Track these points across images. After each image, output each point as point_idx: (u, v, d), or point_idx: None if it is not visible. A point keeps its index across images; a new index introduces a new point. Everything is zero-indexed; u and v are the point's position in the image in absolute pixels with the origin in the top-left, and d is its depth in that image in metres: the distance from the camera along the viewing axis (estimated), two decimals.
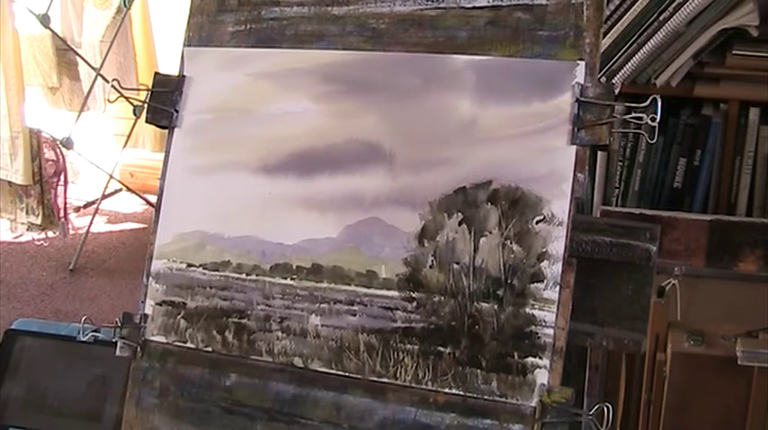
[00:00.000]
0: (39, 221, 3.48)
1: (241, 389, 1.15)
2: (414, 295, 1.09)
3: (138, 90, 1.24)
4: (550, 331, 1.03)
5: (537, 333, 1.04)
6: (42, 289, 3.37)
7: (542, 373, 1.03)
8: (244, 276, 1.16)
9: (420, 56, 1.13)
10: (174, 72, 1.25)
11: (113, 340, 1.20)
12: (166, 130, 1.23)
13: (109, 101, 1.39)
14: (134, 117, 3.62)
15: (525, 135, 1.07)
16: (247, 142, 1.19)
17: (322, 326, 1.12)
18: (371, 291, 1.10)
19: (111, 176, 3.67)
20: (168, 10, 3.82)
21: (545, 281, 1.04)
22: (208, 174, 1.20)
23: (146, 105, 1.23)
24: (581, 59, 1.06)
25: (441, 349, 1.07)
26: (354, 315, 1.11)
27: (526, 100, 1.08)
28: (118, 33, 3.57)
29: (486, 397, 1.05)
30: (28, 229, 3.53)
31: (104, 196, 3.73)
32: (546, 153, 1.06)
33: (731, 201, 1.83)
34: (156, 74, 1.26)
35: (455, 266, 1.08)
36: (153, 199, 3.02)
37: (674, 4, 1.72)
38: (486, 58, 1.10)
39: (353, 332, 1.10)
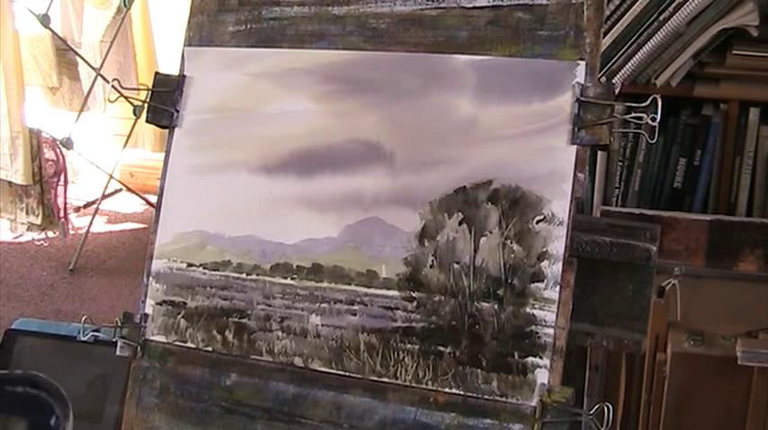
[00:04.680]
0: (39, 221, 3.48)
1: (241, 388, 1.15)
2: (414, 295, 1.09)
3: (139, 90, 1.24)
4: (551, 331, 1.03)
5: (537, 332, 1.04)
6: (42, 289, 3.37)
7: (542, 373, 1.03)
8: (244, 276, 1.16)
9: (420, 56, 1.13)
10: (175, 72, 1.25)
11: (113, 340, 1.21)
12: (166, 130, 1.24)
13: (109, 101, 1.39)
14: (134, 117, 3.62)
15: (525, 135, 1.07)
16: (248, 142, 1.19)
17: (322, 325, 1.12)
18: (372, 290, 1.10)
19: (111, 176, 3.67)
20: (168, 10, 3.82)
21: (545, 280, 1.04)
22: (208, 174, 1.20)
23: (146, 105, 1.23)
24: (581, 59, 1.06)
25: (441, 349, 1.07)
26: (355, 314, 1.11)
27: (526, 100, 1.08)
28: (118, 33, 3.57)
29: (486, 396, 1.05)
30: (28, 229, 3.53)
31: (104, 196, 3.73)
32: (546, 153, 1.06)
33: (731, 201, 1.83)
34: (157, 74, 1.26)
35: (455, 266, 1.08)
36: (153, 199, 3.03)
37: (674, 4, 1.73)
38: (487, 58, 1.10)
39: (354, 332, 1.11)
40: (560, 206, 1.05)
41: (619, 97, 1.10)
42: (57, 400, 1.27)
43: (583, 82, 1.06)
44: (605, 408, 1.00)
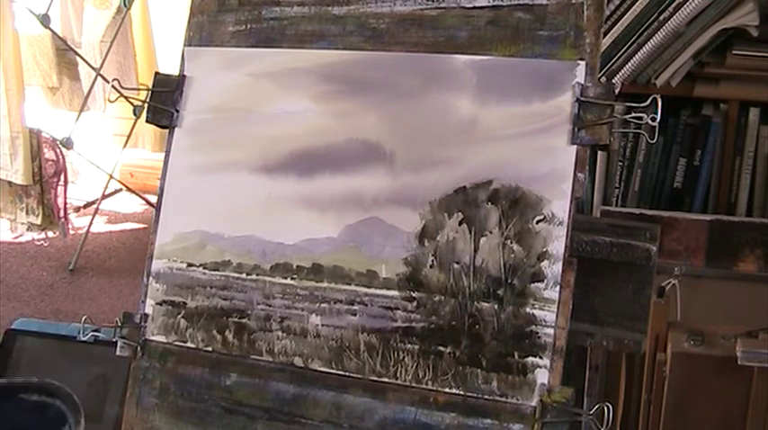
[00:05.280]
0: (39, 221, 3.48)
1: (241, 388, 1.15)
2: (414, 295, 1.09)
3: (139, 90, 1.24)
4: (551, 331, 1.03)
5: (537, 332, 1.04)
6: (42, 289, 3.37)
7: (542, 373, 1.03)
8: (244, 276, 1.16)
9: (420, 56, 1.13)
10: (174, 72, 1.25)
11: (113, 340, 1.21)
12: (167, 130, 1.24)
13: (109, 101, 1.39)
14: (134, 117, 3.62)
15: (525, 135, 1.07)
16: (248, 142, 1.19)
17: (322, 325, 1.12)
18: (372, 290, 1.10)
19: (111, 176, 3.67)
20: (168, 10, 3.82)
21: (545, 280, 1.04)
22: (208, 174, 1.20)
23: (146, 105, 1.23)
24: (581, 59, 1.06)
25: (441, 349, 1.07)
26: (355, 314, 1.11)
27: (526, 100, 1.08)
28: (118, 33, 3.57)
29: (486, 396, 1.05)
30: (28, 229, 3.53)
31: (104, 196, 3.73)
32: (546, 153, 1.06)
33: (731, 201, 1.83)
34: (157, 74, 1.26)
35: (455, 266, 1.08)
36: (153, 199, 3.02)
37: (674, 4, 1.72)
38: (487, 57, 1.10)
39: (354, 332, 1.11)
40: (560, 206, 1.05)
41: (619, 97, 1.10)
42: (70, 408, 1.27)
43: (583, 82, 1.06)
44: (605, 408, 1.00)
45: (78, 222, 3.82)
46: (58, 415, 1.27)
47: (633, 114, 1.04)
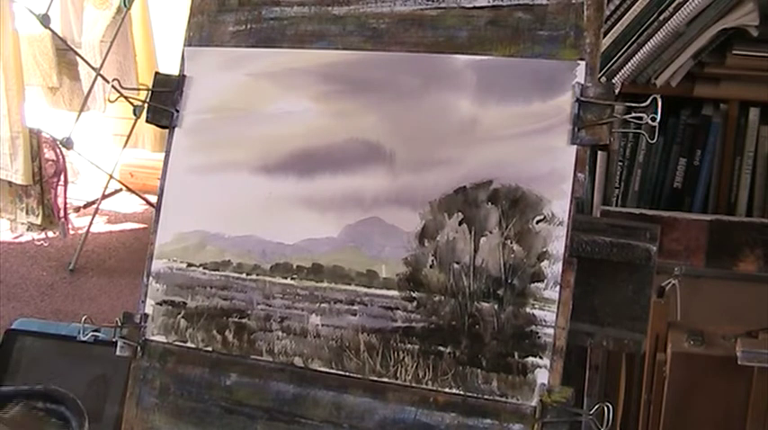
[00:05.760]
0: (39, 221, 3.48)
1: (241, 388, 1.15)
2: (414, 295, 1.09)
3: (139, 90, 1.24)
4: (551, 331, 1.03)
5: (537, 332, 1.04)
6: (42, 289, 3.37)
7: (542, 373, 1.03)
8: (244, 276, 1.16)
9: (420, 56, 1.13)
10: (174, 72, 1.25)
11: (113, 340, 1.21)
12: (167, 130, 1.24)
13: (109, 101, 1.39)
14: (134, 117, 3.62)
15: (525, 135, 1.07)
16: (248, 142, 1.19)
17: (322, 325, 1.12)
18: (372, 290, 1.10)
19: (111, 176, 3.67)
20: (168, 10, 3.82)
21: (545, 280, 1.04)
22: (208, 174, 1.20)
23: (146, 105, 1.23)
24: (581, 59, 1.06)
25: (441, 349, 1.07)
26: (355, 314, 1.11)
27: (526, 100, 1.08)
28: (118, 33, 3.57)
29: (486, 396, 1.05)
30: (28, 229, 3.54)
31: (104, 196, 3.73)
32: (546, 153, 1.06)
33: (731, 201, 1.83)
34: (157, 74, 1.26)
35: (455, 266, 1.08)
36: (153, 199, 3.03)
37: (674, 4, 1.73)
38: (487, 57, 1.10)
39: (354, 332, 1.11)
40: (560, 206, 1.05)
41: (619, 97, 1.10)
42: (74, 414, 1.27)
43: (583, 82, 1.06)
44: (605, 408, 1.00)
45: (78, 222, 3.82)
46: (63, 420, 1.27)
47: (633, 114, 1.04)
